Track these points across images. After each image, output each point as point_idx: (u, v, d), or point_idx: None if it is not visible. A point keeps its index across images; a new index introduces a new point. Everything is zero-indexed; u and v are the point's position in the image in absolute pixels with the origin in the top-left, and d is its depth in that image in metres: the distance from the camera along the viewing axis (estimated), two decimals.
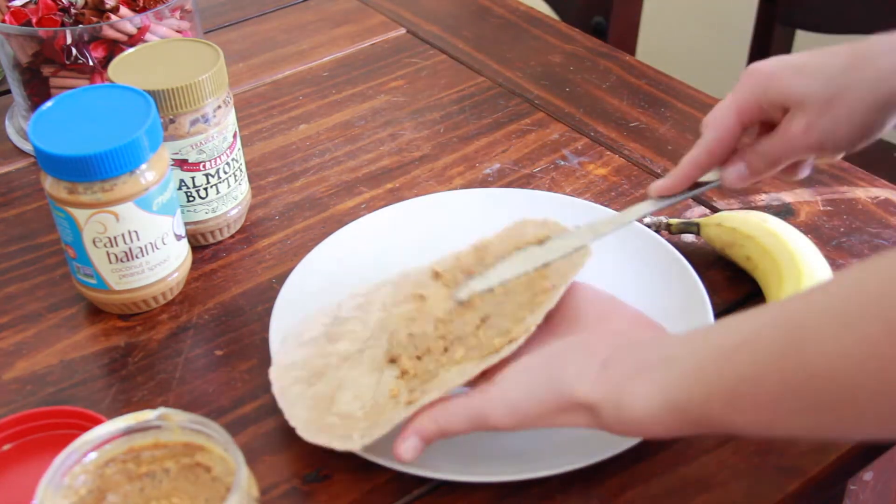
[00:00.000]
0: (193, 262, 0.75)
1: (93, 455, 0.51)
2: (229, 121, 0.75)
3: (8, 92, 0.94)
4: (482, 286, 0.64)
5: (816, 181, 0.82)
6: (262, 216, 0.82)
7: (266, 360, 0.66)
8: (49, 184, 0.67)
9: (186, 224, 0.75)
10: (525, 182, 0.84)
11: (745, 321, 0.50)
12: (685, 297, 0.69)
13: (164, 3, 0.86)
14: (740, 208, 0.80)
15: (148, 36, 0.84)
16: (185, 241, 0.73)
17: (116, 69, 0.73)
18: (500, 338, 0.59)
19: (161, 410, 0.52)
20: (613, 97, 0.95)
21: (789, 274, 0.68)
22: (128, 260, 0.69)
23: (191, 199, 0.75)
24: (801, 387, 0.46)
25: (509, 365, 0.58)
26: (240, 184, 0.78)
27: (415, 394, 0.59)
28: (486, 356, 0.59)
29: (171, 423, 0.52)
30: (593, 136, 0.89)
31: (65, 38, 0.82)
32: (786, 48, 1.47)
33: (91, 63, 0.83)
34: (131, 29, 0.84)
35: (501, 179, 0.84)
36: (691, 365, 0.50)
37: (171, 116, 0.71)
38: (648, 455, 0.60)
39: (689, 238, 0.77)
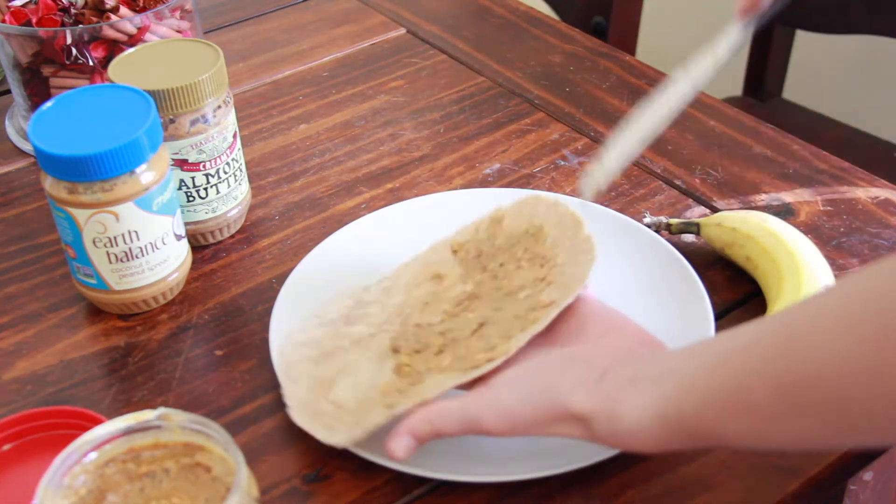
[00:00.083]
0: (193, 262, 0.75)
1: (93, 455, 0.51)
2: (229, 121, 0.75)
3: (8, 92, 0.94)
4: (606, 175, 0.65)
5: (816, 181, 0.82)
6: (262, 216, 0.82)
7: (266, 360, 0.67)
8: (49, 184, 0.67)
9: (186, 224, 0.75)
10: (525, 182, 0.84)
11: (740, 331, 0.50)
12: (685, 297, 0.69)
13: (164, 3, 0.86)
14: (740, 208, 0.80)
15: (148, 36, 0.84)
16: (185, 241, 0.73)
17: (116, 69, 0.73)
18: (483, 353, 0.59)
19: (161, 410, 0.52)
20: (613, 97, 0.95)
21: (789, 274, 0.68)
22: (128, 260, 0.69)
23: (191, 199, 0.75)
24: (794, 390, 0.46)
25: (505, 370, 0.58)
26: (240, 184, 0.78)
27: (398, 396, 0.59)
28: (467, 370, 0.58)
29: (171, 423, 0.52)
30: (593, 136, 0.89)
31: (65, 38, 0.82)
32: (786, 48, 1.47)
33: (91, 63, 0.83)
34: (131, 29, 0.84)
35: (501, 179, 0.84)
36: (684, 375, 0.50)
37: (171, 116, 0.71)
38: (648, 455, 0.60)
39: (689, 238, 0.77)
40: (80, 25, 0.83)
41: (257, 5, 1.13)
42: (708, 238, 0.75)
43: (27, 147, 0.90)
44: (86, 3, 0.85)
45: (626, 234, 0.74)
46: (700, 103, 0.93)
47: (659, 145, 0.88)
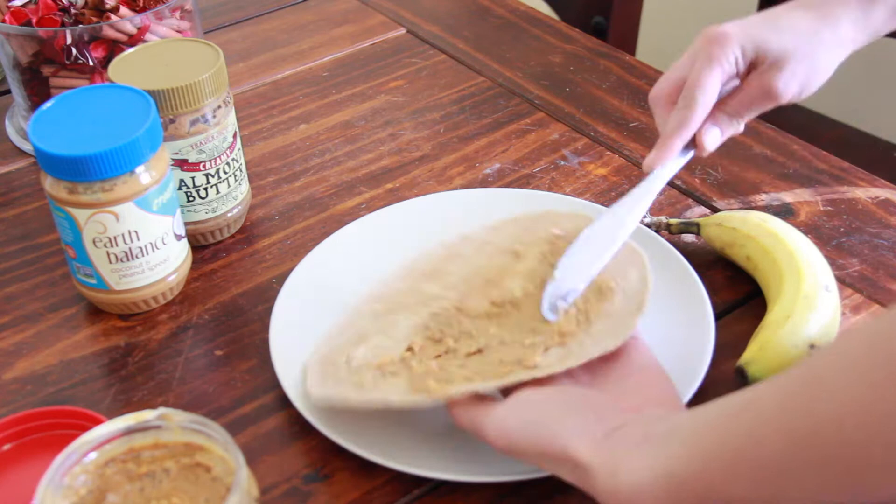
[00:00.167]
0: (193, 262, 0.75)
1: (93, 455, 0.51)
2: (229, 121, 0.75)
3: (8, 92, 0.94)
4: (573, 296, 0.63)
5: (816, 181, 0.82)
6: (262, 216, 0.82)
7: (266, 360, 0.66)
8: (49, 184, 0.67)
9: (186, 224, 0.75)
10: (525, 182, 0.84)
11: (748, 389, 0.48)
12: (685, 297, 0.69)
13: (164, 3, 0.86)
14: (740, 208, 0.80)
15: (148, 36, 0.84)
16: (185, 241, 0.73)
17: (116, 69, 0.73)
18: (464, 382, 0.58)
19: (161, 410, 0.52)
20: (613, 97, 0.95)
21: (789, 274, 0.68)
22: (128, 260, 0.69)
23: (191, 199, 0.75)
24: (806, 441, 0.43)
25: (523, 389, 0.57)
26: (240, 184, 0.78)
27: (376, 379, 0.60)
28: (458, 388, 0.58)
29: (171, 423, 0.52)
30: (593, 136, 0.89)
31: (65, 38, 0.82)
32: None
33: (91, 63, 0.83)
34: (131, 29, 0.84)
35: (501, 179, 0.84)
36: (692, 433, 0.48)
37: (171, 116, 0.71)
38: None
39: (689, 238, 0.77)
40: (80, 25, 0.83)
41: (257, 5, 1.13)
42: (708, 238, 0.75)
43: (27, 147, 0.90)
44: (86, 3, 0.85)
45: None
46: None
47: None
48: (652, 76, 0.98)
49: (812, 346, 0.63)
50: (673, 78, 0.70)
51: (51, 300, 0.74)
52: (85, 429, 0.53)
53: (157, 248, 0.70)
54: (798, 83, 0.68)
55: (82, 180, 0.65)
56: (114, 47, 0.84)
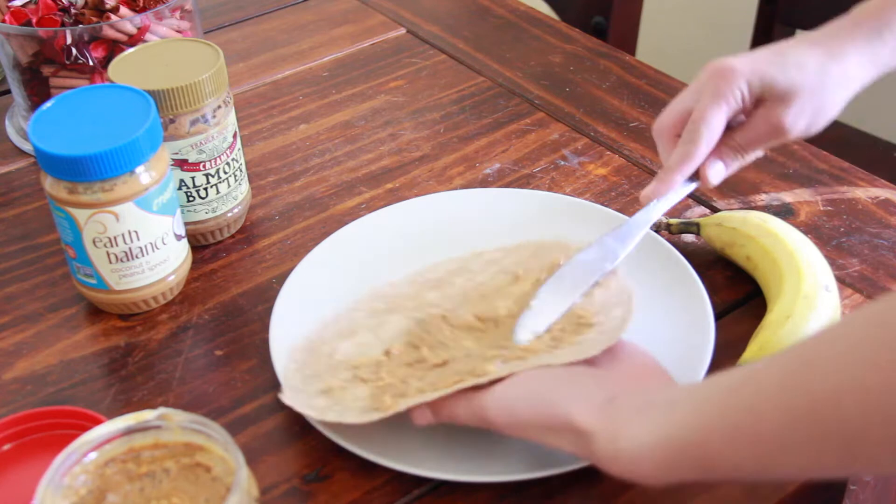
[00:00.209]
0: (193, 262, 0.75)
1: (93, 455, 0.51)
2: (229, 121, 0.75)
3: (8, 92, 0.94)
4: (543, 326, 0.63)
5: (816, 181, 0.82)
6: (262, 216, 0.82)
7: (266, 360, 0.66)
8: (49, 184, 0.67)
9: (186, 224, 0.75)
10: (525, 182, 0.84)
11: (751, 364, 0.50)
12: (685, 297, 0.69)
13: (164, 3, 0.86)
14: (740, 208, 0.80)
15: (148, 36, 0.84)
16: (185, 241, 0.73)
17: (116, 69, 0.73)
18: (417, 395, 0.59)
19: (161, 410, 0.52)
20: (613, 97, 0.95)
21: (789, 274, 0.68)
22: (128, 260, 0.69)
23: (191, 199, 0.75)
24: (804, 417, 0.44)
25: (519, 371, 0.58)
26: (240, 184, 0.78)
27: (346, 383, 0.61)
28: (409, 400, 0.58)
29: (171, 423, 0.52)
30: (593, 136, 0.89)
31: (65, 38, 0.82)
32: None
33: (91, 63, 0.83)
34: (131, 29, 0.84)
35: (501, 179, 0.84)
36: (693, 403, 0.50)
37: (171, 116, 0.71)
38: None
39: (689, 238, 0.77)
40: (80, 25, 0.83)
41: (257, 5, 1.13)
42: (708, 238, 0.75)
43: (27, 147, 0.90)
44: (86, 3, 0.85)
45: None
46: None
47: None
48: (652, 76, 0.98)
49: None
50: (677, 110, 0.70)
51: (51, 300, 0.74)
52: (85, 429, 0.53)
53: (157, 248, 0.70)
54: (805, 120, 0.67)
55: (82, 180, 0.65)
56: (114, 47, 0.84)
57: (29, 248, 0.79)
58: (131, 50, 0.75)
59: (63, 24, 0.84)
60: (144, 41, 0.84)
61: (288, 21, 1.10)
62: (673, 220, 0.77)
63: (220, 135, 0.74)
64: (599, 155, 0.87)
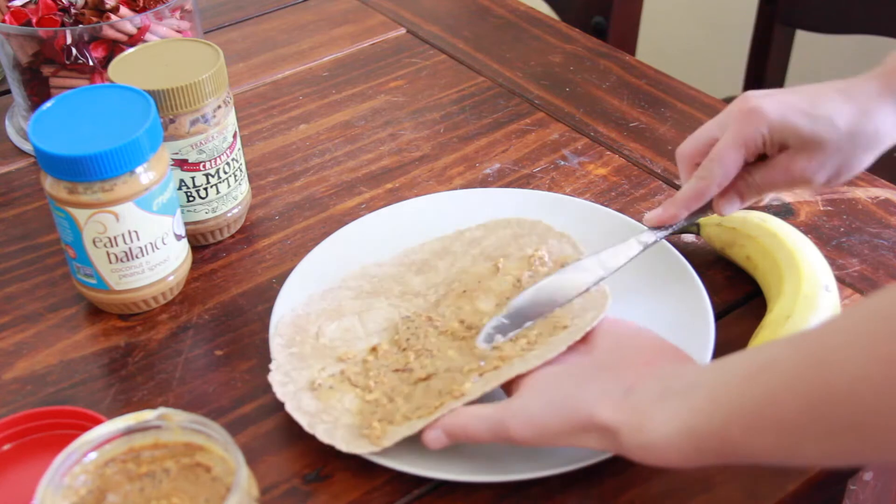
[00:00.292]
0: (193, 262, 0.75)
1: (93, 455, 0.51)
2: (229, 121, 0.75)
3: (8, 92, 0.94)
4: (507, 335, 0.64)
5: None
6: (262, 216, 0.82)
7: (266, 360, 0.66)
8: (49, 184, 0.67)
9: (186, 224, 0.75)
10: (525, 182, 0.84)
11: (767, 348, 0.50)
12: (685, 297, 0.69)
13: (164, 3, 0.86)
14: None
15: (148, 36, 0.84)
16: (185, 241, 0.73)
17: (116, 69, 0.73)
18: (404, 422, 0.60)
19: (161, 410, 0.52)
20: (613, 97, 0.95)
21: (789, 274, 0.68)
22: (128, 260, 0.69)
23: (191, 199, 0.75)
24: (822, 407, 0.45)
25: (531, 376, 0.58)
26: (240, 184, 0.78)
27: (332, 381, 0.63)
28: (395, 434, 0.59)
29: (171, 423, 0.52)
30: (593, 136, 0.89)
31: (65, 38, 0.82)
32: (786, 48, 1.47)
33: (91, 63, 0.83)
34: (131, 29, 0.84)
35: (501, 179, 0.84)
36: (712, 391, 0.50)
37: (171, 116, 0.71)
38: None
39: (689, 238, 0.77)
40: (80, 25, 0.83)
41: (257, 5, 1.13)
42: (708, 238, 0.75)
43: (27, 147, 0.90)
44: (86, 3, 0.85)
45: (626, 234, 0.73)
46: (700, 103, 0.93)
47: (659, 145, 0.88)
48: (652, 76, 0.98)
49: None
50: (701, 139, 0.69)
51: (51, 300, 0.74)
52: (85, 429, 0.53)
53: (157, 248, 0.70)
54: (826, 174, 0.66)
55: (82, 180, 0.65)
56: (114, 47, 0.84)
57: (29, 248, 0.79)
58: (131, 50, 0.75)
59: (63, 24, 0.84)
60: (144, 41, 0.84)
61: (288, 21, 1.10)
62: None
63: (220, 135, 0.74)
64: (599, 155, 0.87)
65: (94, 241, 0.67)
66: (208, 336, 0.71)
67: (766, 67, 1.46)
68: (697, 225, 0.76)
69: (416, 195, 0.81)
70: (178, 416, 0.52)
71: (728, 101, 0.94)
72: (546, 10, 1.39)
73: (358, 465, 0.60)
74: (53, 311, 0.73)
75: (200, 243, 0.78)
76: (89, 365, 0.69)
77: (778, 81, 1.49)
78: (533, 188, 0.83)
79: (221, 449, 0.51)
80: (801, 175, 0.65)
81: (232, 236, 0.79)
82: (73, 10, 0.85)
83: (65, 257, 0.71)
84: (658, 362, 0.57)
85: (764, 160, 0.67)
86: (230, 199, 0.77)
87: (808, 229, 0.77)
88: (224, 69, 0.74)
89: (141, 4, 0.86)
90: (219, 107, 0.74)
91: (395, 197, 0.83)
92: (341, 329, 0.67)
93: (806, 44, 1.57)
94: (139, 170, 0.66)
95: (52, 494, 0.49)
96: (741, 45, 1.53)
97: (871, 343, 0.44)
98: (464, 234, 0.72)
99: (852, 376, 0.44)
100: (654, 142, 0.88)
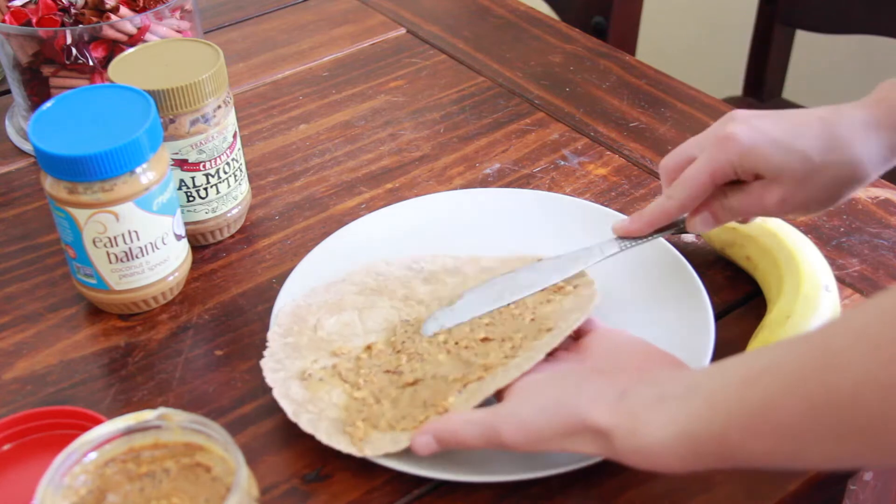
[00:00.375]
0: (193, 262, 0.75)
1: (93, 455, 0.51)
2: (229, 121, 0.75)
3: (8, 92, 0.94)
4: (451, 322, 0.65)
5: None
6: (262, 216, 0.82)
7: None
8: (49, 184, 0.67)
9: (186, 224, 0.75)
10: (525, 182, 0.84)
11: (766, 351, 0.50)
12: (685, 297, 0.69)
13: (164, 3, 0.86)
14: None
15: (148, 36, 0.84)
16: (185, 241, 0.73)
17: (116, 69, 0.73)
18: (387, 430, 0.60)
19: (161, 410, 0.52)
20: (613, 97, 0.95)
21: (789, 274, 0.68)
22: (128, 260, 0.69)
23: (191, 199, 0.75)
24: (823, 411, 0.45)
25: (522, 381, 0.58)
26: (240, 184, 0.78)
27: (324, 373, 0.63)
28: (377, 446, 0.59)
29: (171, 423, 0.52)
30: (593, 136, 0.89)
31: (65, 38, 0.82)
32: (786, 48, 1.47)
33: (91, 63, 0.83)
34: (131, 29, 0.84)
35: (501, 179, 0.84)
36: (711, 395, 0.50)
37: (171, 116, 0.71)
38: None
39: (689, 238, 0.77)
40: (80, 25, 0.83)
41: (257, 5, 1.13)
42: (708, 238, 0.75)
43: (27, 147, 0.90)
44: (86, 3, 0.85)
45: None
46: (700, 103, 0.93)
47: (659, 145, 0.88)
48: (652, 76, 0.98)
49: None
50: (682, 155, 0.68)
51: (51, 300, 0.74)
52: (85, 429, 0.53)
53: (157, 248, 0.70)
54: (793, 206, 0.64)
55: (82, 180, 0.65)
56: (114, 47, 0.84)
57: (29, 248, 0.79)
58: (131, 50, 0.75)
59: (63, 24, 0.84)
60: (144, 41, 0.84)
61: (288, 21, 1.10)
62: None
63: (220, 135, 0.74)
64: (599, 155, 0.87)
65: (94, 241, 0.67)
66: (208, 336, 0.71)
67: (766, 67, 1.46)
68: None
69: (416, 195, 0.81)
70: (178, 416, 0.52)
71: (728, 101, 0.94)
72: (546, 10, 1.39)
73: (358, 465, 0.60)
74: (53, 311, 0.73)
75: (200, 243, 0.78)
76: (89, 365, 0.69)
77: (778, 81, 1.49)
78: (533, 188, 0.83)
79: (221, 449, 0.51)
80: (774, 206, 0.64)
81: (232, 236, 0.79)
82: (73, 10, 0.85)
83: (65, 257, 0.71)
84: (651, 367, 0.57)
85: (741, 184, 0.66)
86: (230, 199, 0.77)
87: (808, 229, 0.77)
88: (224, 69, 0.74)
89: (141, 4, 0.86)
90: (219, 107, 0.74)
91: (395, 197, 0.83)
92: (340, 323, 0.67)
93: (806, 44, 1.57)
94: (139, 170, 0.66)
95: (52, 494, 0.49)
96: (741, 45, 1.53)
97: (874, 345, 0.44)
98: (479, 261, 0.71)
99: (856, 379, 0.44)
100: (654, 142, 0.88)
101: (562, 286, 0.66)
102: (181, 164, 0.73)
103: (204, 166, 0.74)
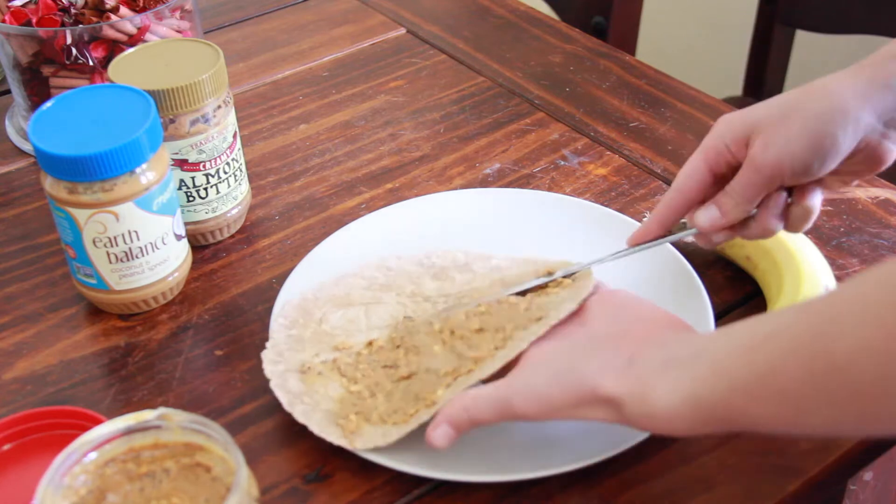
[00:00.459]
0: (193, 262, 0.75)
1: (93, 455, 0.51)
2: (229, 121, 0.75)
3: (8, 92, 0.94)
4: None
5: None
6: (262, 216, 0.82)
7: None
8: (49, 184, 0.67)
9: (186, 224, 0.75)
10: (525, 182, 0.84)
11: (771, 318, 0.51)
12: (685, 297, 0.69)
13: (164, 3, 0.86)
14: None
15: (148, 36, 0.84)
16: (185, 241, 0.73)
17: (116, 69, 0.73)
18: (379, 423, 0.60)
19: (161, 410, 0.52)
20: (613, 97, 0.95)
21: (789, 274, 0.68)
22: (128, 260, 0.69)
23: (191, 199, 0.75)
24: (824, 377, 0.46)
25: (532, 351, 0.59)
26: (240, 184, 0.78)
27: (324, 367, 0.64)
28: (366, 439, 0.59)
29: (171, 423, 0.52)
30: (593, 136, 0.89)
31: (65, 38, 0.82)
32: (786, 48, 1.47)
33: (91, 63, 0.83)
34: (131, 29, 0.84)
35: (501, 179, 0.84)
36: (715, 360, 0.51)
37: (171, 116, 0.71)
38: (648, 455, 0.60)
39: (689, 238, 0.77)
40: (80, 25, 0.83)
41: (257, 5, 1.13)
42: None
43: (27, 147, 0.90)
44: (86, 3, 0.85)
45: (626, 233, 0.73)
46: (700, 103, 0.93)
47: (659, 145, 0.88)
48: (652, 76, 0.98)
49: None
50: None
51: (51, 300, 0.74)
52: (85, 429, 0.53)
53: (157, 248, 0.70)
54: (776, 147, 0.61)
55: (82, 180, 0.65)
56: (114, 47, 0.84)
57: (29, 248, 0.79)
58: (131, 50, 0.75)
59: (63, 24, 0.84)
60: (144, 41, 0.84)
61: (288, 21, 1.10)
62: None
63: (220, 135, 0.74)
64: (599, 155, 0.87)
65: (94, 241, 0.67)
66: (208, 336, 0.71)
67: (766, 67, 1.46)
68: None
69: (416, 195, 0.81)
70: (178, 416, 0.52)
71: (728, 101, 0.94)
72: (546, 10, 1.39)
73: (358, 465, 0.60)
74: (53, 311, 0.73)
75: (200, 243, 0.78)
76: (89, 365, 0.69)
77: (778, 81, 1.49)
78: (533, 188, 0.83)
79: (221, 449, 0.51)
80: (762, 158, 0.61)
81: (232, 236, 0.79)
82: (73, 10, 0.85)
83: (65, 257, 0.71)
84: (658, 332, 0.58)
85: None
86: (230, 199, 0.77)
87: (808, 229, 0.77)
88: (224, 69, 0.74)
89: (141, 4, 0.86)
90: (219, 107, 0.74)
91: (395, 197, 0.83)
92: (345, 319, 0.67)
93: (806, 44, 1.57)
94: (139, 170, 0.66)
95: (52, 494, 0.49)
96: (741, 45, 1.53)
97: (874, 312, 0.44)
98: (490, 259, 0.71)
99: (853, 345, 0.44)
100: (654, 142, 0.88)
101: (561, 280, 0.66)
102: (181, 164, 0.73)
103: (204, 166, 0.74)
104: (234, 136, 0.76)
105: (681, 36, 2.08)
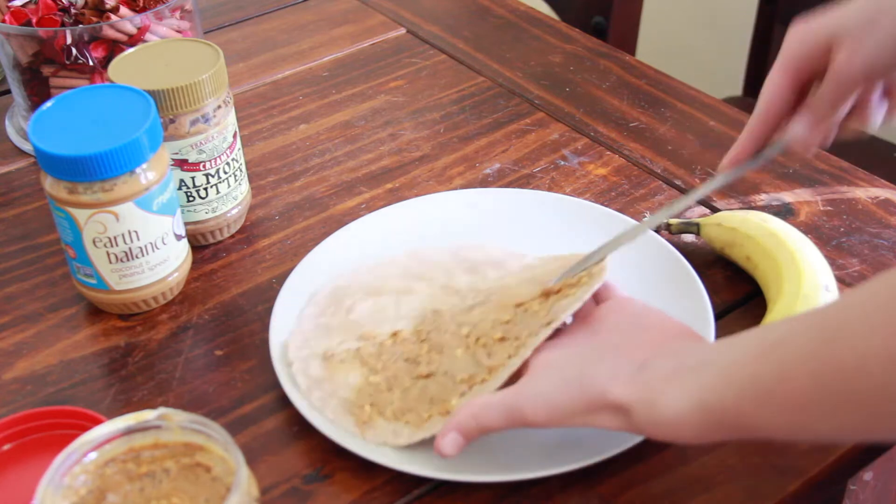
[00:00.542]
0: (193, 262, 0.75)
1: (93, 455, 0.51)
2: (229, 121, 0.75)
3: (8, 92, 0.94)
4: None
5: (816, 181, 0.82)
6: (262, 216, 0.82)
7: (266, 360, 0.66)
8: (49, 184, 0.67)
9: (186, 224, 0.75)
10: (525, 182, 0.84)
11: (779, 326, 0.51)
12: (685, 297, 0.69)
13: (164, 3, 0.86)
14: (740, 208, 0.80)
15: (148, 36, 0.84)
16: (185, 241, 0.73)
17: (116, 69, 0.73)
18: (392, 420, 0.61)
19: (161, 410, 0.52)
20: (613, 97, 0.95)
21: (789, 274, 0.68)
22: (128, 260, 0.69)
23: (191, 199, 0.75)
24: (832, 384, 0.46)
25: (541, 358, 0.59)
26: (240, 184, 0.78)
27: (346, 355, 0.64)
28: (379, 434, 0.60)
29: (171, 423, 0.52)
30: (593, 136, 0.89)
31: (65, 38, 0.82)
32: None
33: (91, 63, 0.83)
34: (131, 29, 0.84)
35: (501, 179, 0.84)
36: (725, 367, 0.51)
37: (171, 116, 0.71)
38: (648, 455, 0.60)
39: (689, 238, 0.77)
40: (80, 25, 0.83)
41: (257, 5, 1.13)
42: (708, 238, 0.75)
43: (27, 147, 0.90)
44: (86, 3, 0.85)
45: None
46: (700, 103, 0.93)
47: (659, 145, 0.88)
48: (652, 76, 0.98)
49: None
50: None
51: (51, 300, 0.74)
52: (85, 429, 0.53)
53: (157, 248, 0.70)
54: (864, 51, 0.59)
55: (82, 180, 0.65)
56: (114, 47, 0.84)
57: (29, 248, 0.79)
58: (131, 50, 0.75)
59: (63, 24, 0.84)
60: (144, 41, 0.84)
61: (288, 21, 1.10)
62: (673, 220, 0.77)
63: (220, 135, 0.74)
64: (599, 155, 0.87)
65: (94, 241, 0.67)
66: (208, 336, 0.71)
67: (766, 67, 1.46)
68: (697, 225, 0.76)
69: (416, 195, 0.81)
70: (178, 416, 0.52)
71: (728, 101, 0.94)
72: (546, 10, 1.39)
73: (358, 465, 0.60)
74: (53, 311, 0.73)
75: (200, 243, 0.78)
76: (89, 365, 0.69)
77: None
78: (533, 188, 0.83)
79: (221, 449, 0.51)
80: (848, 66, 0.59)
81: (232, 236, 0.79)
82: (73, 10, 0.85)
83: (65, 257, 0.71)
84: (669, 341, 0.58)
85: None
86: (230, 199, 0.77)
87: (808, 229, 0.77)
88: (224, 69, 0.74)
89: (141, 4, 0.86)
90: (219, 107, 0.74)
91: (395, 197, 0.83)
92: (374, 308, 0.68)
93: None
94: (139, 170, 0.66)
95: (52, 494, 0.49)
96: (741, 45, 1.53)
97: (882, 319, 0.44)
98: (524, 258, 0.71)
99: (862, 352, 0.45)
100: (654, 142, 0.88)
101: (580, 277, 0.65)
102: (181, 164, 0.73)
103: (204, 166, 0.74)
104: (234, 136, 0.76)
105: (681, 36, 2.08)
